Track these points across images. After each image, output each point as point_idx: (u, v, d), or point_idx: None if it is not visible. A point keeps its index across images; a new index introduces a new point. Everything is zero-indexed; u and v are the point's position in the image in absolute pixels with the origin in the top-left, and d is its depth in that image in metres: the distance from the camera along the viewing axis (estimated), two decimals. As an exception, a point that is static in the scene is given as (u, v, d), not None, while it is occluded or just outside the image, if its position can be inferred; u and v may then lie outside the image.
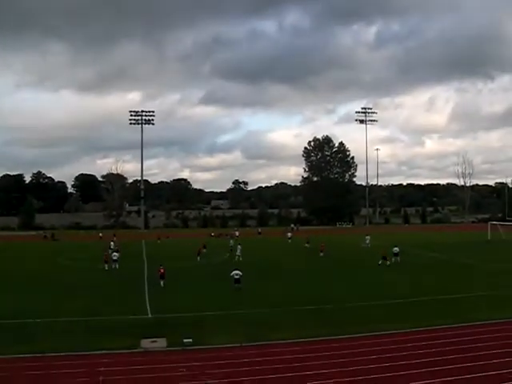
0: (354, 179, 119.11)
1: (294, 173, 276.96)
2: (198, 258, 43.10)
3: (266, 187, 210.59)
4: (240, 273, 28.11)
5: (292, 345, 17.91)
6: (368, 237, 55.32)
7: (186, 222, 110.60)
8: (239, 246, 46.55)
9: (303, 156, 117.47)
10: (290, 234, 63.98)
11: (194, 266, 40.67)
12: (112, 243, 51.76)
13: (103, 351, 17.02)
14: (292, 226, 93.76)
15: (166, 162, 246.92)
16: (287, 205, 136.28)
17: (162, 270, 30.77)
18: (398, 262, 39.34)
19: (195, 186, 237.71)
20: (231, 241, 52.65)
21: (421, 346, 17.09)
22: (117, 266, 38.42)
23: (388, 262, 38.12)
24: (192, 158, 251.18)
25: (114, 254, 40.22)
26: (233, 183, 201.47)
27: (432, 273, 34.57)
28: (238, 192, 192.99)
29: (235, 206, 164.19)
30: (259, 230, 79.06)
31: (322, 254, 45.61)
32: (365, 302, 24.68)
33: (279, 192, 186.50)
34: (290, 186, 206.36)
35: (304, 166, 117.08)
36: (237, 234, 68.83)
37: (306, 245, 55.23)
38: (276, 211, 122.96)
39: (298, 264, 41.21)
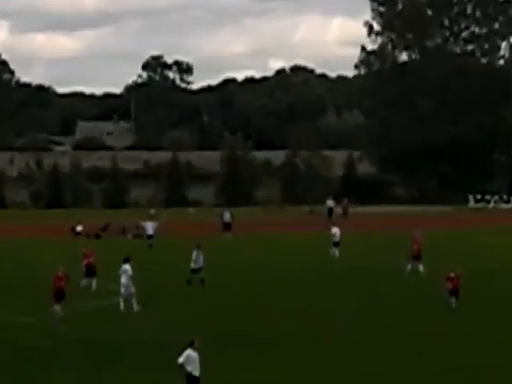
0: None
1: (337, 38, 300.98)
2: (57, 306, 44.91)
3: (252, 81, 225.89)
4: (195, 355, 28.05)
5: None
6: None
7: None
8: (196, 252, 53.53)
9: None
10: (337, 232, 66.37)
11: (37, 329, 42.47)
12: None
13: None
14: (330, 202, 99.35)
15: None
16: (318, 139, 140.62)
17: None
18: None
19: (26, 77, 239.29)
20: (196, 252, 54.44)
21: None
22: None
23: None
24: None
25: None
26: (144, 68, 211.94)
27: None
28: (159, 95, 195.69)
29: (150, 143, 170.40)
30: (226, 218, 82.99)
31: (453, 301, 46.18)
32: None
33: (292, 98, 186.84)
34: (323, 77, 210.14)
35: (370, 16, 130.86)
36: (150, 227, 75.55)
37: (420, 269, 57.67)
38: (283, 155, 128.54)
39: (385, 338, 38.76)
